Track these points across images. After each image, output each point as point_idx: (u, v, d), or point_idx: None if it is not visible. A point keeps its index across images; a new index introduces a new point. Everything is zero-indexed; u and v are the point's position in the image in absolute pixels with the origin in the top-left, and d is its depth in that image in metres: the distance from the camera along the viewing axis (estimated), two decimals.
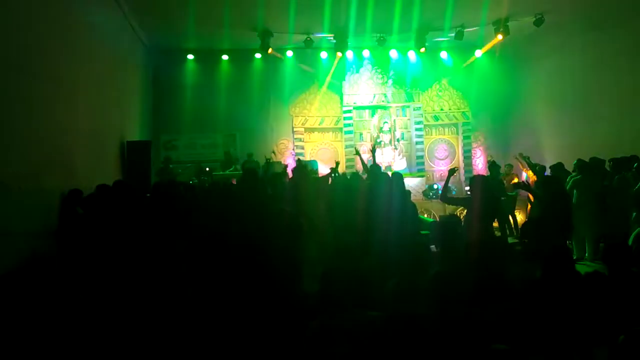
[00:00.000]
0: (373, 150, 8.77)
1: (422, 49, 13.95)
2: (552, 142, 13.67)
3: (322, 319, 2.98)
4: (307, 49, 14.07)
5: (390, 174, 7.31)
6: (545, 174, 10.14)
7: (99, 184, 6.59)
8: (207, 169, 13.01)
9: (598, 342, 2.93)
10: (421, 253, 4.07)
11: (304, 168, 9.44)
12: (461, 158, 15.84)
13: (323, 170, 13.78)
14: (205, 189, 8.17)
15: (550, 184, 7.49)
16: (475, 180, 6.43)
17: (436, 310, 3.22)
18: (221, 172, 13.08)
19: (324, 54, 14.89)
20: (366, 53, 15.17)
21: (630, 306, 3.06)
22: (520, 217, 12.05)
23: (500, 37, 12.88)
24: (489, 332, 3.09)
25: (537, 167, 10.63)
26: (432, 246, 4.73)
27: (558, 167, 9.67)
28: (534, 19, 12.36)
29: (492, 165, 11.98)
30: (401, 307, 3.32)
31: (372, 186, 6.79)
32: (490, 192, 6.01)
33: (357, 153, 8.82)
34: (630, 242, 4.85)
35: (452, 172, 6.62)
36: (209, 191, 7.46)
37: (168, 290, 3.10)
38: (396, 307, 3.34)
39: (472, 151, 15.90)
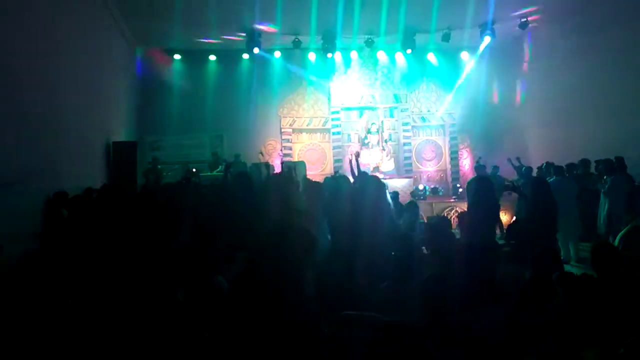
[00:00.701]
0: (357, 156, 8.76)
1: (410, 51, 14.02)
2: (538, 143, 13.80)
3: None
4: (295, 50, 14.05)
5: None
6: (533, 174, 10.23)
7: (86, 188, 6.53)
8: (194, 169, 12.92)
9: (588, 344, 2.95)
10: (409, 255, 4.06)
11: (291, 171, 9.42)
12: (448, 159, 15.92)
13: (311, 171, 13.81)
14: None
15: (537, 185, 7.53)
16: (479, 182, 6.42)
17: (428, 315, 3.21)
18: (209, 173, 13.01)
19: (312, 55, 14.89)
20: (354, 54, 15.19)
21: (619, 308, 3.09)
22: (506, 218, 12.11)
23: (487, 39, 12.99)
24: (480, 335, 3.10)
25: (524, 169, 10.71)
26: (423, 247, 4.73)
27: (545, 169, 9.79)
28: (520, 22, 12.51)
29: (478, 167, 12.06)
30: (393, 312, 3.30)
31: (360, 190, 6.79)
32: (494, 193, 6.03)
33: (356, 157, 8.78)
34: (616, 243, 4.89)
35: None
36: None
37: (158, 294, 3.05)
38: (389, 312, 3.32)
39: (459, 152, 15.98)
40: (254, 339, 2.55)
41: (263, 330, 2.54)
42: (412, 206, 8.93)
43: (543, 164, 10.61)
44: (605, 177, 8.56)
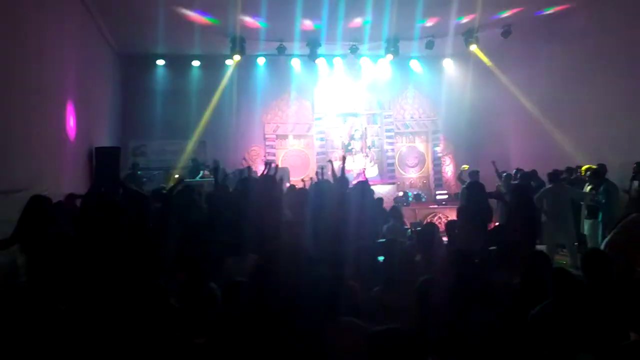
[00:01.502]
0: (344, 160, 8.78)
1: (393, 58, 14.13)
2: (520, 150, 14.00)
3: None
4: (279, 56, 14.05)
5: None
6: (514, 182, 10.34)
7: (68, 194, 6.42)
8: (177, 175, 12.78)
9: (582, 348, 2.98)
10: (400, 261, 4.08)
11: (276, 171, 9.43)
12: (431, 165, 16.05)
13: (295, 177, 13.81)
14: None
15: (518, 191, 7.62)
16: (470, 188, 6.48)
17: (420, 319, 3.22)
18: (190, 179, 12.87)
19: (296, 62, 14.92)
20: (338, 61, 15.24)
21: (611, 311, 3.13)
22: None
23: (472, 47, 13.18)
24: (472, 339, 3.11)
25: (504, 175, 10.83)
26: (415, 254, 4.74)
27: (527, 175, 9.90)
28: (502, 30, 12.71)
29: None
30: (385, 317, 3.31)
31: (343, 193, 6.82)
32: (486, 199, 6.09)
33: (330, 162, 8.81)
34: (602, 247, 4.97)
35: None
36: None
37: (150, 300, 3.01)
38: (380, 317, 3.33)
39: (442, 159, 16.13)
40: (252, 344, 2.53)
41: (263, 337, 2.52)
42: (396, 212, 9.00)
43: (515, 170, 10.79)
44: (594, 186, 8.55)
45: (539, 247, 7.33)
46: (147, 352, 2.65)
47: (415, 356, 2.71)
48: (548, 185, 8.79)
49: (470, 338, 3.07)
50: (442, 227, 7.97)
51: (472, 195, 5.80)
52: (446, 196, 14.48)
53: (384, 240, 5.48)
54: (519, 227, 6.44)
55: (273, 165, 7.93)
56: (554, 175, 8.83)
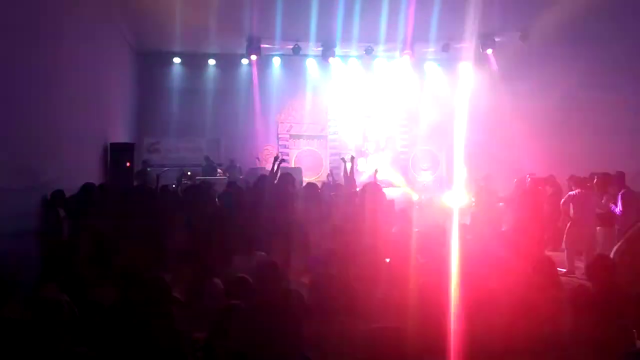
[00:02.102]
0: (351, 160, 8.77)
1: (409, 59, 14.08)
2: (535, 155, 13.84)
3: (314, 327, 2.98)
4: (294, 56, 14.10)
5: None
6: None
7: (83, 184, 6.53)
8: (189, 173, 12.88)
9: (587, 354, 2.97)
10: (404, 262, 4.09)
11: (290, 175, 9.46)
12: (445, 169, 15.95)
13: (307, 177, 13.82)
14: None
15: (526, 196, 7.57)
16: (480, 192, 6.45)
17: (421, 321, 3.22)
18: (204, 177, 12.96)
19: (311, 62, 14.95)
20: (353, 62, 15.24)
21: (616, 319, 3.11)
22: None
23: (488, 51, 13.08)
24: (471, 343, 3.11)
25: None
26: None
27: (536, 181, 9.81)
28: (520, 34, 12.59)
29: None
30: (388, 317, 3.32)
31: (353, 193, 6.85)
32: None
33: (343, 160, 8.83)
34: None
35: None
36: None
37: (156, 292, 3.05)
38: (383, 317, 3.34)
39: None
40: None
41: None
42: (405, 215, 8.96)
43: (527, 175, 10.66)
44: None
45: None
46: (149, 343, 2.69)
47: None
48: (573, 192, 8.69)
49: (472, 340, 3.07)
50: None
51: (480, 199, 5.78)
52: None
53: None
54: (525, 232, 6.41)
55: (279, 161, 7.93)
56: (579, 182, 8.72)
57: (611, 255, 4.86)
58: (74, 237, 6.08)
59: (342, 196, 7.24)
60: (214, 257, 4.09)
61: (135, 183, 11.02)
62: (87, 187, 7.27)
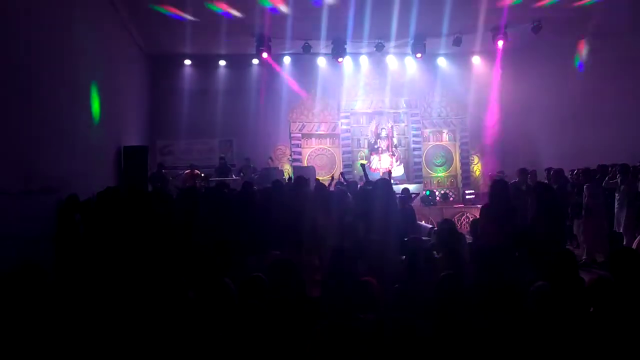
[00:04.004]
0: (363, 167, 8.74)
1: (420, 55, 13.97)
2: (550, 148, 13.67)
3: (326, 323, 2.95)
4: (305, 55, 14.07)
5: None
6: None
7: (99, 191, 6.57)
8: (203, 174, 12.93)
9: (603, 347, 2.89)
10: (421, 258, 4.04)
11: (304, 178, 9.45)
12: (459, 164, 15.83)
13: (320, 176, 13.79)
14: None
15: (541, 190, 7.42)
16: (494, 186, 6.36)
17: (438, 315, 3.17)
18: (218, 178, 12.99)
19: (321, 60, 14.91)
20: (364, 59, 15.17)
21: (636, 312, 3.02)
22: None
23: (499, 43, 12.90)
24: (491, 338, 3.05)
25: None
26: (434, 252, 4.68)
27: (557, 175, 9.65)
28: (532, 25, 12.41)
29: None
30: (402, 313, 3.27)
31: (369, 192, 6.77)
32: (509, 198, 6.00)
33: (362, 166, 8.79)
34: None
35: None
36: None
37: (169, 293, 3.04)
38: (397, 313, 3.29)
39: (470, 158, 15.90)
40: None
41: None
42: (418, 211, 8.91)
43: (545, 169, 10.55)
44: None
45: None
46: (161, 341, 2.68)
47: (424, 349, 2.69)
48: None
49: (487, 335, 3.01)
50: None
51: (493, 193, 5.67)
52: (473, 196, 14.25)
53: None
54: (542, 228, 6.28)
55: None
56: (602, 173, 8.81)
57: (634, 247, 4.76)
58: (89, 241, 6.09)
59: (354, 195, 7.17)
60: (223, 256, 4.07)
61: (150, 186, 11.09)
62: (103, 192, 7.30)
